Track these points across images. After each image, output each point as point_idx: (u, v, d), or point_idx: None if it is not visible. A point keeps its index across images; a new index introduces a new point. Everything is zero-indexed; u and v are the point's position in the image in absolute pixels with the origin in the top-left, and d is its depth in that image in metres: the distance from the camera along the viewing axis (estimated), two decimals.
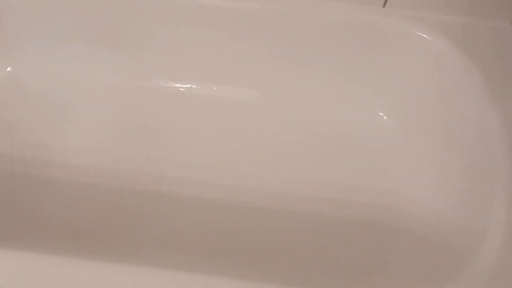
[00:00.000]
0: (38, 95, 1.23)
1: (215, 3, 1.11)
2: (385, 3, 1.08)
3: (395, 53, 1.12)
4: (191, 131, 1.20)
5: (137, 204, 1.07)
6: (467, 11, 1.08)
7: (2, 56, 1.22)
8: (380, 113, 1.22)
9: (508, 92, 0.96)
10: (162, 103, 1.24)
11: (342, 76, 1.21)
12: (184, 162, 1.14)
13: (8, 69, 1.23)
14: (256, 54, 1.20)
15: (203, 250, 1.01)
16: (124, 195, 1.08)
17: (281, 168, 1.15)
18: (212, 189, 1.10)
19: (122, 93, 1.25)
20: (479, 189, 0.92)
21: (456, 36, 1.05)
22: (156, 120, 1.22)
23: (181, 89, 1.26)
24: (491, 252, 0.78)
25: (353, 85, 1.21)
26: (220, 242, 1.03)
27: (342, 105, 1.24)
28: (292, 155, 1.18)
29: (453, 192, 1.01)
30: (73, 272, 0.67)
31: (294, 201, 1.10)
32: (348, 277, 1.00)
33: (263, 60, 1.21)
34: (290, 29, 1.13)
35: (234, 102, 1.25)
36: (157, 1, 1.12)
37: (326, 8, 1.09)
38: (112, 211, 1.06)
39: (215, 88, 1.26)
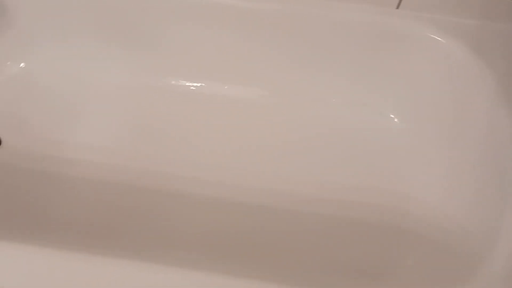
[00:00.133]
0: (49, 91, 1.24)
1: (227, 2, 1.11)
2: (398, 4, 1.07)
3: (407, 55, 1.12)
4: (199, 130, 1.21)
5: (143, 202, 1.08)
6: (480, 13, 1.08)
7: (16, 52, 1.23)
8: (391, 115, 1.21)
9: None
10: (171, 101, 1.25)
11: (353, 77, 1.21)
12: (192, 161, 1.15)
13: (22, 65, 1.24)
14: (266, 54, 1.20)
15: (208, 249, 1.01)
16: (131, 192, 1.09)
17: (291, 168, 1.15)
18: (219, 188, 1.11)
19: (133, 91, 1.25)
20: (490, 192, 0.92)
21: (469, 39, 1.05)
22: (166, 118, 1.22)
23: (191, 87, 1.26)
24: (502, 256, 0.77)
25: (364, 86, 1.21)
26: (226, 241, 1.03)
27: (353, 106, 1.24)
28: (301, 155, 1.18)
29: (464, 195, 1.00)
30: (77, 267, 0.68)
31: (303, 201, 1.10)
32: (355, 279, 0.99)
33: (274, 60, 1.21)
34: (302, 29, 1.13)
35: (243, 102, 1.25)
36: (171, 3, 1.12)
37: (339, 9, 1.09)
38: (118, 208, 1.06)
39: (225, 87, 1.26)
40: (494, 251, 0.79)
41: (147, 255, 0.74)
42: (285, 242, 1.04)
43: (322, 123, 1.23)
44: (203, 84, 1.26)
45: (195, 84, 1.26)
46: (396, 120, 1.21)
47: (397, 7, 1.08)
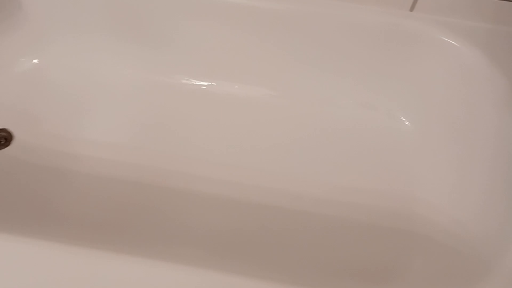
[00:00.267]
0: (61, 88, 1.24)
1: (240, 1, 1.11)
2: (412, 7, 1.07)
3: (419, 58, 1.11)
4: (208, 128, 1.21)
5: (151, 199, 1.08)
6: (493, 17, 1.08)
7: (30, 48, 1.24)
8: (402, 118, 1.21)
9: None
10: (181, 99, 1.25)
11: (364, 78, 1.21)
12: (200, 159, 1.15)
13: (35, 61, 1.25)
14: (276, 54, 1.20)
15: (214, 247, 1.02)
16: (139, 189, 1.09)
17: (299, 168, 1.15)
18: (227, 186, 1.11)
19: (143, 88, 1.26)
20: (499, 196, 0.91)
21: (483, 43, 1.05)
22: (175, 116, 1.23)
23: (201, 86, 1.26)
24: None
25: (375, 88, 1.21)
26: (233, 239, 1.03)
27: (363, 108, 1.24)
28: (310, 155, 1.18)
29: (473, 199, 1.00)
30: (84, 261, 0.68)
31: (310, 201, 1.10)
32: (362, 281, 0.99)
33: (283, 60, 1.21)
34: (313, 30, 1.13)
35: (252, 101, 1.25)
36: (184, 2, 1.13)
37: (352, 11, 1.09)
38: (126, 205, 1.07)
39: (235, 86, 1.26)
40: (503, 255, 0.79)
41: (153, 252, 0.74)
42: (292, 242, 1.04)
43: (331, 124, 1.23)
44: (212, 83, 1.26)
45: (204, 83, 1.26)
46: (406, 122, 1.21)
47: (411, 10, 1.08)
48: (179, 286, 0.67)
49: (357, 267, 1.01)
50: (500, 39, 1.06)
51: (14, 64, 1.23)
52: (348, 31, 1.12)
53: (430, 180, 1.12)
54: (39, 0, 1.17)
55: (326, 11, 1.10)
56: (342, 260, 1.02)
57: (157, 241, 1.01)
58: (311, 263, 1.01)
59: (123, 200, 1.07)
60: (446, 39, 1.06)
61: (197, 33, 1.19)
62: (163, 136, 1.19)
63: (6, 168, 1.10)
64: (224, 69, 1.25)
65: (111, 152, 1.15)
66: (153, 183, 1.10)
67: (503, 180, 0.92)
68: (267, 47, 1.19)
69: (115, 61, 1.26)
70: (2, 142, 1.14)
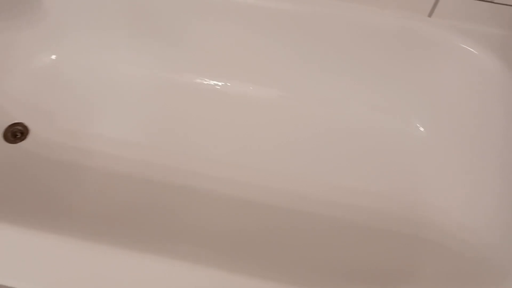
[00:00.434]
0: (77, 84, 1.26)
1: (256, 3, 1.11)
2: (431, 13, 1.06)
3: (437, 65, 1.10)
4: (219, 128, 1.21)
5: (160, 197, 1.09)
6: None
7: (48, 44, 1.25)
8: (417, 124, 1.20)
9: None
10: (194, 98, 1.25)
11: (379, 83, 1.20)
12: (210, 158, 1.16)
13: (53, 57, 1.26)
14: (291, 56, 1.20)
15: (221, 246, 1.02)
16: (149, 187, 1.10)
17: (310, 170, 1.15)
18: (237, 186, 1.11)
19: (157, 86, 1.26)
20: (511, 204, 0.90)
21: (500, 50, 1.03)
22: (187, 115, 1.23)
23: (214, 86, 1.27)
24: None
25: (390, 93, 1.20)
26: (240, 239, 1.04)
27: (377, 113, 1.23)
28: (322, 158, 1.18)
29: (485, 207, 0.99)
30: (90, 255, 0.69)
31: (319, 203, 1.10)
32: (370, 284, 0.99)
33: (298, 62, 1.21)
34: (329, 33, 1.13)
35: (264, 102, 1.25)
36: (198, 2, 1.13)
37: (369, 14, 1.08)
38: (136, 202, 1.08)
39: (248, 87, 1.26)
40: None
41: (157, 248, 0.74)
42: (299, 243, 1.04)
43: (343, 126, 1.23)
44: (224, 83, 1.27)
45: (216, 83, 1.27)
46: (421, 128, 1.20)
47: (429, 15, 1.07)
48: (180, 283, 0.68)
49: (365, 271, 1.01)
50: None
51: (32, 60, 1.25)
52: (364, 35, 1.11)
53: (442, 187, 1.11)
54: None
55: (343, 14, 1.09)
56: (349, 263, 1.02)
57: (162, 238, 1.02)
58: (316, 266, 1.01)
59: (132, 197, 1.08)
60: (464, 46, 1.05)
61: (212, 33, 1.19)
62: (174, 135, 1.19)
63: (20, 161, 1.12)
64: (236, 69, 1.25)
65: (122, 149, 1.16)
66: (162, 181, 1.11)
67: None
68: (281, 49, 1.19)
69: (131, 59, 1.27)
70: (18, 136, 1.15)
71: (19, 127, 1.17)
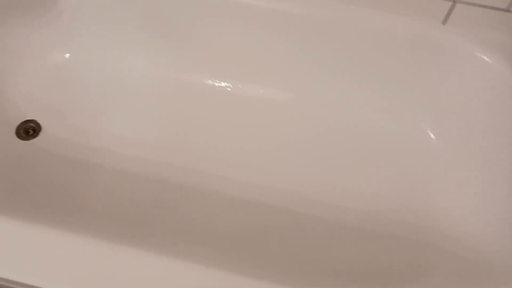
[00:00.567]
0: (90, 83, 1.27)
1: (268, 5, 1.11)
2: (445, 20, 1.06)
3: (451, 72, 1.10)
4: (227, 129, 1.22)
5: (170, 196, 1.09)
6: None
7: (62, 43, 1.26)
8: (428, 131, 1.19)
9: None
10: (204, 99, 1.26)
11: (390, 88, 1.19)
12: (218, 158, 1.16)
13: (67, 55, 1.27)
14: (302, 59, 1.20)
15: (227, 247, 1.02)
16: (158, 186, 1.11)
17: (319, 174, 1.15)
18: (245, 187, 1.11)
19: (169, 87, 1.27)
20: None
21: None
22: (197, 115, 1.24)
23: (224, 87, 1.27)
24: None
25: (402, 99, 1.20)
26: (248, 240, 1.04)
27: (387, 117, 1.22)
28: (329, 161, 1.18)
29: (494, 216, 0.99)
30: (95, 252, 0.70)
31: (328, 208, 1.10)
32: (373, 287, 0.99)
33: (310, 65, 1.20)
34: (342, 37, 1.12)
35: (273, 103, 1.25)
36: (212, 2, 1.13)
37: (383, 19, 1.08)
38: (144, 200, 1.08)
39: (257, 89, 1.26)
40: None
41: (161, 247, 0.75)
42: (308, 248, 1.04)
43: (353, 130, 1.22)
44: (233, 84, 1.27)
45: (226, 84, 1.27)
46: (432, 136, 1.19)
47: (443, 23, 1.06)
48: (181, 283, 0.68)
49: (374, 277, 1.00)
50: None
51: (46, 58, 1.26)
52: (377, 40, 1.11)
53: (450, 192, 1.10)
54: None
55: (356, 19, 1.09)
56: (358, 269, 1.02)
57: (168, 237, 1.03)
58: (323, 271, 1.01)
59: (139, 195, 1.09)
60: (478, 54, 1.04)
61: (223, 35, 1.20)
62: (183, 135, 1.20)
63: (32, 158, 1.13)
64: (245, 70, 1.25)
65: (131, 148, 1.16)
66: (169, 181, 1.11)
67: None
68: (292, 51, 1.19)
69: (143, 59, 1.27)
70: (30, 133, 1.17)
71: (32, 124, 1.18)
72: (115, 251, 0.70)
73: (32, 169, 1.11)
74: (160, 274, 0.68)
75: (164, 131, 1.21)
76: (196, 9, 1.16)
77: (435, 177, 1.15)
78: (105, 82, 1.27)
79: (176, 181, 1.11)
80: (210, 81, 1.27)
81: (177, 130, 1.21)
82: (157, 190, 1.10)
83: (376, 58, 1.14)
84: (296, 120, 1.24)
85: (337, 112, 1.24)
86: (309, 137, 1.21)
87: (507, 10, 1.02)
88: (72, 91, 1.25)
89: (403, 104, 1.21)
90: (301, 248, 1.04)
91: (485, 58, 1.03)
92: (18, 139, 1.15)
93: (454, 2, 1.02)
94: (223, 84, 1.27)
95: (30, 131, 1.17)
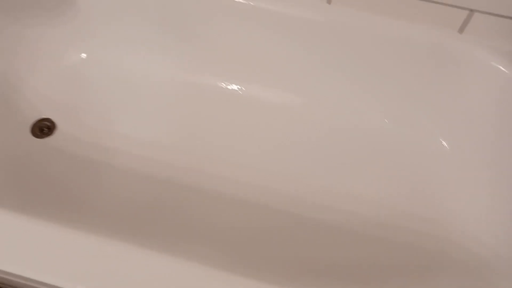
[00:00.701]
0: (105, 83, 1.28)
1: (281, 10, 1.11)
2: (462, 29, 1.05)
3: (466, 81, 1.09)
4: (237, 131, 1.22)
5: (178, 197, 1.10)
6: None
7: (79, 43, 1.28)
8: (441, 140, 1.19)
9: None
10: (216, 102, 1.26)
11: (403, 96, 1.19)
12: (228, 161, 1.16)
13: (83, 55, 1.29)
14: (315, 64, 1.20)
15: (234, 248, 1.03)
16: (168, 187, 1.11)
17: (328, 181, 1.15)
18: (254, 189, 1.12)
19: (183, 88, 1.28)
20: None
21: None
22: (209, 117, 1.24)
23: (235, 90, 1.27)
24: None
25: (415, 107, 1.19)
26: (257, 242, 1.04)
27: (399, 125, 1.22)
28: (339, 167, 1.18)
29: (505, 227, 0.98)
30: (100, 250, 0.70)
31: (337, 212, 1.10)
32: None
33: (323, 70, 1.20)
34: (356, 44, 1.12)
35: (284, 107, 1.25)
36: (226, 4, 1.14)
37: (398, 27, 1.08)
38: (154, 201, 1.09)
39: (269, 92, 1.26)
40: None
41: (166, 247, 0.75)
42: (318, 253, 1.04)
43: (365, 138, 1.22)
44: (245, 87, 1.27)
45: (238, 87, 1.27)
46: (446, 145, 1.18)
47: (460, 32, 1.06)
48: (182, 282, 0.69)
49: (384, 283, 1.00)
50: None
51: (62, 57, 1.27)
52: (392, 48, 1.10)
53: (462, 202, 1.10)
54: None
55: (372, 26, 1.09)
56: (366, 276, 1.01)
57: (173, 237, 1.03)
58: (330, 275, 1.01)
59: (147, 195, 1.10)
60: (495, 64, 1.03)
61: (238, 39, 1.20)
62: (194, 137, 1.21)
63: (46, 156, 1.14)
64: (257, 73, 1.25)
65: (143, 149, 1.17)
66: (179, 182, 1.12)
67: None
68: (305, 57, 1.19)
69: (158, 61, 1.28)
70: (45, 131, 1.18)
71: (47, 123, 1.19)
72: (120, 249, 0.70)
73: (44, 167, 1.13)
74: (164, 272, 0.69)
75: (175, 133, 1.21)
76: (211, 12, 1.16)
77: (447, 184, 1.14)
78: (120, 82, 1.28)
79: (184, 182, 1.12)
80: (223, 84, 1.28)
81: (187, 132, 1.22)
82: (166, 190, 1.11)
83: (390, 65, 1.14)
84: (305, 124, 1.24)
85: (347, 118, 1.24)
86: (320, 141, 1.21)
87: None
88: (87, 90, 1.26)
89: (415, 111, 1.20)
90: (306, 250, 1.04)
91: (501, 67, 1.02)
92: (32, 137, 1.17)
93: (472, 11, 1.01)
94: (234, 86, 1.28)
95: (45, 129, 1.18)
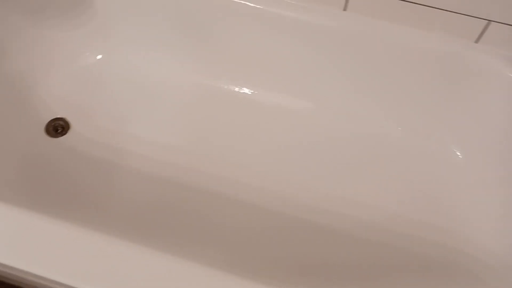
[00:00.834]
0: (119, 85, 1.29)
1: (297, 16, 1.11)
2: (478, 38, 1.04)
3: (482, 92, 1.08)
4: (247, 134, 1.23)
5: (189, 199, 1.11)
6: None
7: (95, 45, 1.29)
8: (455, 150, 1.18)
9: None
10: (230, 106, 1.27)
11: (418, 106, 1.18)
12: (240, 164, 1.17)
13: (99, 57, 1.30)
14: (329, 71, 1.20)
15: (241, 249, 1.03)
16: (177, 189, 1.12)
17: (340, 188, 1.15)
18: (266, 195, 1.12)
19: (196, 91, 1.28)
20: None
21: None
22: (222, 121, 1.25)
23: (249, 94, 1.28)
24: None
25: (429, 116, 1.19)
26: (263, 246, 1.04)
27: (413, 135, 1.21)
28: (352, 176, 1.17)
29: None
30: (108, 249, 0.71)
31: (349, 223, 1.09)
32: None
33: (336, 78, 1.20)
34: (373, 52, 1.12)
35: (297, 114, 1.25)
36: (243, 10, 1.14)
37: (413, 36, 1.07)
38: (164, 202, 1.10)
39: (282, 97, 1.27)
40: None
41: (172, 248, 0.76)
42: (329, 260, 1.04)
43: (376, 147, 1.22)
44: (257, 91, 1.28)
45: (252, 91, 1.28)
46: (459, 155, 1.17)
47: (476, 41, 1.05)
48: (184, 282, 0.69)
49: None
50: None
51: (78, 58, 1.29)
52: (407, 56, 1.10)
53: (474, 215, 1.09)
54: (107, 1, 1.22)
55: (388, 34, 1.09)
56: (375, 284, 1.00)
57: (183, 238, 1.04)
58: (325, 272, 1.01)
59: (157, 197, 1.11)
60: (510, 75, 1.02)
61: (253, 44, 1.20)
62: (206, 140, 1.21)
63: (59, 155, 1.16)
64: (271, 79, 1.26)
65: (154, 151, 1.18)
66: (190, 184, 1.13)
67: None
68: (320, 63, 1.19)
69: (172, 64, 1.29)
70: (59, 131, 1.19)
71: (61, 122, 1.20)
72: (123, 248, 0.71)
73: (57, 166, 1.14)
74: (166, 272, 0.69)
75: (187, 135, 1.22)
76: (228, 17, 1.17)
77: (459, 193, 1.13)
78: (134, 84, 1.29)
79: (194, 185, 1.12)
80: (235, 88, 1.28)
81: (200, 135, 1.22)
82: (177, 192, 1.12)
83: (404, 73, 1.14)
84: (317, 129, 1.24)
85: (359, 126, 1.23)
86: (332, 147, 1.21)
87: None
88: (101, 92, 1.28)
89: (429, 120, 1.19)
90: (311, 252, 1.04)
91: None
92: (47, 136, 1.18)
93: (489, 21, 1.00)
94: (246, 90, 1.28)
95: (59, 129, 1.20)
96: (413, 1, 1.02)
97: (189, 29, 1.22)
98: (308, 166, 1.18)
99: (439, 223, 1.10)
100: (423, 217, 1.11)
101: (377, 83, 1.18)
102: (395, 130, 1.22)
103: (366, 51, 1.12)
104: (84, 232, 0.72)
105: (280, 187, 1.13)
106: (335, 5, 1.09)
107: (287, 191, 1.13)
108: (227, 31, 1.20)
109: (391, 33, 1.08)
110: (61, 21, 1.23)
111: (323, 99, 1.25)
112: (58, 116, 1.21)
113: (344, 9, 1.09)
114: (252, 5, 1.12)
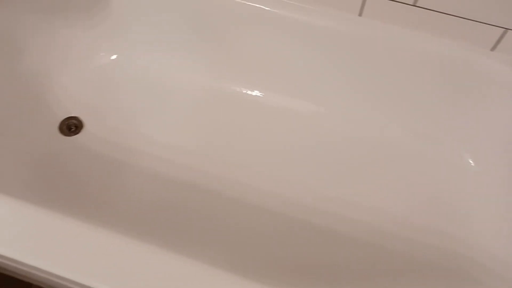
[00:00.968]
0: (133, 85, 1.30)
1: (311, 21, 1.11)
2: (494, 46, 1.03)
3: (496, 100, 1.07)
4: (256, 137, 1.23)
5: (196, 200, 1.11)
6: None
7: (110, 45, 1.30)
8: (467, 158, 1.17)
9: None
10: (241, 109, 1.27)
11: (430, 112, 1.18)
12: (243, 165, 1.17)
13: (113, 57, 1.31)
14: (338, 75, 1.20)
15: (241, 250, 1.03)
16: (189, 190, 1.12)
17: (349, 193, 1.14)
18: (267, 195, 1.12)
19: (208, 94, 1.29)
20: None
21: None
22: (232, 124, 1.25)
23: (260, 97, 1.28)
24: None
25: (441, 123, 1.18)
26: (264, 247, 1.05)
27: (426, 141, 1.20)
28: (362, 182, 1.17)
29: None
30: (115, 246, 0.72)
31: (359, 228, 1.09)
32: None
33: (347, 82, 1.20)
34: (385, 58, 1.12)
35: (305, 117, 1.25)
36: (257, 13, 1.14)
37: (427, 42, 1.07)
38: (170, 203, 1.10)
39: (292, 101, 1.27)
40: None
41: (177, 247, 0.76)
42: (330, 262, 1.04)
43: (387, 154, 1.21)
44: (265, 94, 1.28)
45: (262, 94, 1.28)
46: (472, 163, 1.16)
47: (492, 49, 1.04)
48: (182, 277, 0.70)
49: None
50: None
51: (93, 58, 1.30)
52: (419, 62, 1.10)
53: (487, 226, 1.08)
54: (122, 1, 1.23)
55: (401, 40, 1.08)
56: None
57: (187, 239, 1.04)
58: (327, 273, 1.01)
59: (165, 197, 1.11)
60: None
61: (266, 47, 1.21)
62: (216, 142, 1.22)
63: (71, 153, 1.17)
64: (281, 82, 1.26)
65: (165, 152, 1.19)
66: (199, 186, 1.13)
67: None
68: (328, 66, 1.19)
69: (185, 65, 1.30)
70: (72, 129, 1.20)
71: (74, 121, 1.21)
72: (131, 246, 0.72)
73: (70, 164, 1.15)
74: (170, 271, 0.70)
75: (197, 137, 1.22)
76: (242, 21, 1.17)
77: (471, 201, 1.12)
78: (148, 85, 1.30)
79: (203, 186, 1.13)
80: (247, 91, 1.29)
81: (208, 136, 1.23)
82: (186, 193, 1.12)
83: (417, 81, 1.13)
84: (326, 133, 1.24)
85: (370, 132, 1.23)
86: (341, 152, 1.21)
87: None
88: (115, 91, 1.29)
89: (441, 127, 1.19)
90: (313, 254, 1.04)
91: None
92: (60, 135, 1.19)
93: (506, 29, 0.99)
94: (256, 92, 1.28)
95: (73, 127, 1.21)
96: (432, 9, 1.02)
97: (203, 32, 1.23)
98: (320, 169, 1.18)
99: (448, 229, 1.09)
100: (433, 222, 1.10)
101: (390, 88, 1.17)
102: (407, 136, 1.21)
103: (381, 56, 1.12)
104: (93, 229, 0.73)
105: (284, 189, 1.14)
106: (351, 10, 1.09)
107: (291, 193, 1.13)
108: (240, 34, 1.20)
109: (406, 39, 1.08)
110: (78, 20, 1.24)
111: (333, 103, 1.25)
112: (72, 115, 1.22)
113: (360, 15, 1.09)
114: (267, 9, 1.12)
